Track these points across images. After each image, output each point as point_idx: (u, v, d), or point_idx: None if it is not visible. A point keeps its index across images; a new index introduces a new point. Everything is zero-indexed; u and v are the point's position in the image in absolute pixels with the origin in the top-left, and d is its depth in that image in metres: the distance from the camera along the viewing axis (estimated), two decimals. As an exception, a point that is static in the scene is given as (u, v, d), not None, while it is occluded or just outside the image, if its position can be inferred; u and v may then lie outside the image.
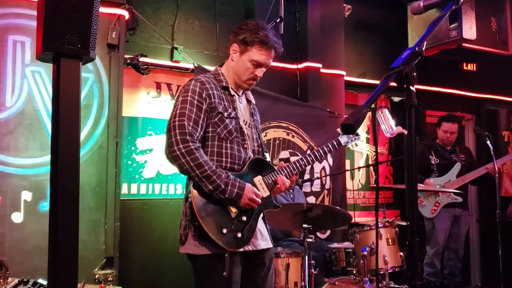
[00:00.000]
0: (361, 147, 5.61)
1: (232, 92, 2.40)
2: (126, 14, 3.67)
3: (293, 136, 4.71)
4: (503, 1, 5.07)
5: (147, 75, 4.06)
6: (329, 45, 5.03)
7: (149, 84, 4.21)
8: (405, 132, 1.83)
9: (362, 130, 5.59)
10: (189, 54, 4.28)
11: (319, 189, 4.88)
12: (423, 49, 1.51)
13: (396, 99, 5.83)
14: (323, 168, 4.93)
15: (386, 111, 2.42)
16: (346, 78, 5.18)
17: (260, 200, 2.29)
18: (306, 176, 4.65)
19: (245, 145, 2.36)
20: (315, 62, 4.93)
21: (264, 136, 4.47)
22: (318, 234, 4.58)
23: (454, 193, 4.72)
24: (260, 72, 2.38)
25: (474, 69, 5.87)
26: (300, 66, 4.95)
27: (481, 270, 6.29)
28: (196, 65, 4.03)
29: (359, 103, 5.56)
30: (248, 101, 2.50)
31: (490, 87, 6.49)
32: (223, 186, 2.16)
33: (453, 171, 4.86)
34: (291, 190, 4.16)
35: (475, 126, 6.15)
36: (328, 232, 4.85)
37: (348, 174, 5.28)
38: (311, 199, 4.79)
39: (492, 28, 4.89)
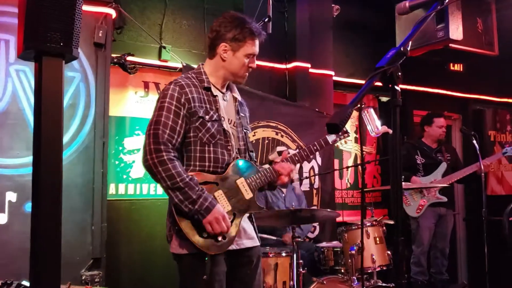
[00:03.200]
0: (349, 147, 5.63)
1: (215, 92, 2.35)
2: (113, 12, 3.64)
3: (282, 136, 4.71)
4: (489, 3, 5.12)
5: (134, 75, 4.03)
6: (318, 45, 5.05)
7: (137, 83, 4.19)
8: (390, 131, 1.83)
9: (350, 130, 5.61)
10: (177, 53, 4.26)
11: (308, 189, 4.90)
12: (408, 49, 1.52)
13: (384, 99, 5.86)
14: (312, 167, 4.95)
15: (371, 110, 2.43)
16: (334, 78, 5.20)
17: (226, 227, 2.19)
18: (295, 176, 4.66)
19: (228, 147, 2.32)
20: (304, 62, 4.94)
21: (253, 135, 4.47)
22: (307, 234, 4.60)
23: (439, 191, 4.77)
24: (254, 62, 2.37)
25: (461, 70, 5.93)
26: (289, 66, 4.97)
27: (467, 268, 6.36)
28: (184, 64, 4.01)
29: (347, 103, 5.58)
30: (234, 98, 2.45)
31: (477, 87, 6.56)
32: (194, 197, 2.12)
33: (439, 170, 4.89)
34: (283, 189, 4.16)
35: (461, 126, 6.20)
36: (317, 231, 4.87)
37: (337, 173, 5.30)
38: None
39: (478, 29, 4.93)
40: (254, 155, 2.53)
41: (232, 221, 2.25)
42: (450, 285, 4.82)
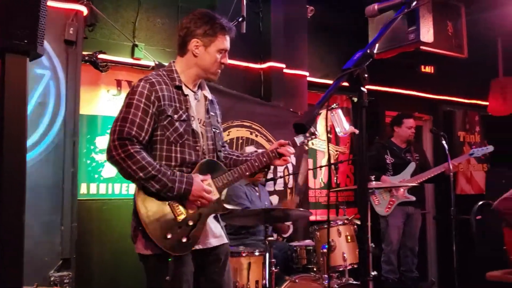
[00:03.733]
0: (323, 147, 5.69)
1: (186, 91, 2.33)
2: (84, 9, 3.59)
3: (256, 136, 4.72)
4: (459, 7, 5.24)
5: (107, 73, 3.99)
6: (293, 46, 5.07)
7: (109, 81, 4.14)
8: (357, 131, 1.87)
9: (324, 130, 5.67)
10: (150, 52, 4.23)
11: (282, 188, 4.92)
12: (375, 51, 1.55)
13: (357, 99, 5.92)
14: (286, 167, 4.98)
15: (339, 111, 2.47)
16: (309, 78, 5.24)
17: (211, 197, 2.24)
18: (270, 175, 4.68)
19: (197, 147, 2.30)
20: (279, 62, 4.96)
21: (227, 135, 4.46)
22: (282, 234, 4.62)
23: (408, 190, 4.87)
24: (226, 58, 2.37)
25: (432, 72, 6.05)
26: (264, 65, 4.98)
27: (437, 266, 6.49)
28: (157, 63, 3.99)
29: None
30: (205, 97, 2.43)
31: (447, 89, 6.71)
32: (170, 184, 2.13)
33: (408, 170, 4.99)
34: (256, 188, 4.17)
35: (431, 127, 6.34)
36: (291, 230, 4.90)
37: (310, 172, 5.35)
38: (275, 198, 4.82)
39: (449, 32, 5.03)
40: (223, 154, 2.51)
41: (197, 222, 2.25)
42: (420, 282, 4.91)
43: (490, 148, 4.90)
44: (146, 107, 2.19)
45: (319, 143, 5.65)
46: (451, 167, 4.48)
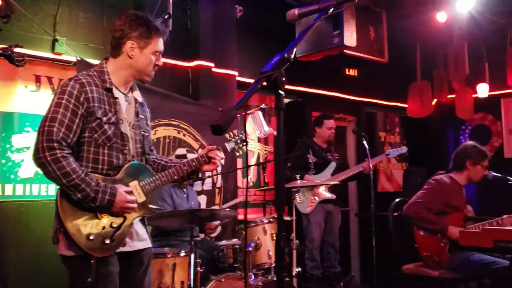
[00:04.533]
0: (252, 146, 5.75)
1: (116, 94, 2.31)
2: (-2, 0, 3.38)
3: (184, 135, 4.69)
4: (380, 12, 5.51)
5: (25, 68, 3.75)
6: (221, 45, 5.08)
7: (27, 77, 3.92)
8: (275, 133, 1.92)
9: (253, 130, 5.74)
10: (72, 47, 4.06)
11: (211, 188, 4.92)
12: (292, 56, 1.59)
13: (286, 100, 6.05)
14: (214, 166, 4.98)
15: (259, 113, 2.53)
16: (238, 78, 5.27)
17: (134, 205, 2.26)
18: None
19: (125, 150, 2.29)
20: (207, 61, 4.94)
21: (154, 134, 4.39)
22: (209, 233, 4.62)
23: (328, 189, 5.06)
24: (160, 60, 2.39)
25: (356, 74, 6.31)
26: (192, 64, 4.94)
27: (359, 261, 6.79)
28: (79, 59, 3.84)
29: (250, 103, 5.70)
30: (135, 99, 2.43)
31: (369, 92, 7.03)
32: (93, 195, 2.12)
33: (328, 169, 5.19)
34: (184, 189, 4.15)
35: (354, 128, 6.62)
36: (219, 230, 4.91)
37: (239, 172, 5.39)
38: (203, 198, 4.81)
39: (371, 37, 5.28)
40: (152, 157, 2.51)
41: (122, 224, 2.23)
42: (343, 277, 5.12)
43: (404, 149, 5.20)
44: (75, 108, 2.16)
45: (249, 142, 5.71)
46: (371, 165, 4.71)
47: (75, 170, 2.10)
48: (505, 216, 3.78)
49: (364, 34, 5.14)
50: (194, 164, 2.46)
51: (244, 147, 2.68)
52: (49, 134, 2.10)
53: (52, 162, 2.07)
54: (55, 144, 2.09)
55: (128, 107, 2.37)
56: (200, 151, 2.59)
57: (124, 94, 2.36)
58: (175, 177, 2.42)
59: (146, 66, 2.33)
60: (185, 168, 2.44)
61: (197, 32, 4.92)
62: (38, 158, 2.09)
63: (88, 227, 2.14)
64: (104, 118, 2.22)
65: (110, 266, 2.19)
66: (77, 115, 2.16)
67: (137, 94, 2.44)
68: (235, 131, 2.70)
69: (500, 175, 4.01)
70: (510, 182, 3.99)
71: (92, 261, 2.13)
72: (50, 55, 3.98)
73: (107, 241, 2.16)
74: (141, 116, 2.44)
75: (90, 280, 2.11)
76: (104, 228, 2.18)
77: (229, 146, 2.64)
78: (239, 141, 2.70)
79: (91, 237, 2.13)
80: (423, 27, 6.17)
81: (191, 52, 4.94)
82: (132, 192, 2.27)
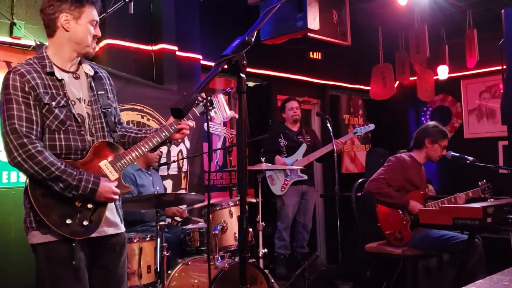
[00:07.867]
0: (218, 130, 5.76)
1: (61, 75, 2.23)
2: (-51, -19, 3.24)
3: (148, 119, 4.64)
4: (343, -5, 5.54)
5: (-20, 52, 3.65)
6: (185, 28, 5.03)
7: (-16, 61, 3.80)
8: (237, 116, 1.94)
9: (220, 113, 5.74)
10: (32, 31, 3.94)
11: (176, 172, 4.91)
12: (253, 39, 1.61)
13: (251, 84, 6.08)
14: (180, 151, 4.97)
15: (221, 96, 2.53)
16: (202, 62, 5.23)
17: (117, 196, 2.25)
18: (163, 160, 4.64)
19: (82, 131, 2.23)
20: (171, 44, 4.88)
21: (118, 119, 4.33)
22: (175, 217, 4.63)
23: (300, 170, 5.18)
24: (98, 30, 2.32)
25: (319, 58, 6.36)
26: (155, 47, 4.86)
27: (325, 241, 6.95)
28: (38, 43, 3.73)
29: (215, 87, 5.69)
30: (86, 74, 2.34)
31: (333, 75, 7.12)
32: (74, 183, 2.10)
33: (300, 151, 5.32)
34: (149, 172, 4.12)
35: (318, 110, 6.71)
36: (186, 214, 4.92)
37: (206, 156, 5.39)
38: (168, 183, 4.80)
39: (334, 20, 5.31)
40: (121, 131, 2.44)
41: (97, 205, 2.22)
42: (309, 257, 5.23)
43: (372, 126, 5.34)
44: (25, 99, 2.11)
45: (214, 126, 5.72)
46: (334, 147, 4.82)
47: (53, 163, 2.08)
48: (457, 193, 3.95)
49: (327, 17, 5.15)
50: (163, 134, 2.39)
51: (213, 112, 2.64)
52: (14, 132, 2.06)
53: (28, 159, 2.05)
54: (25, 140, 2.06)
55: (79, 84, 2.29)
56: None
57: (72, 73, 2.28)
58: (146, 150, 2.36)
59: (85, 36, 2.25)
60: (155, 139, 2.37)
61: (160, 15, 4.83)
62: (13, 159, 2.07)
63: (63, 212, 2.12)
64: (53, 103, 2.16)
65: (81, 252, 2.19)
66: (30, 105, 2.11)
67: (88, 68, 2.35)
68: (203, 94, 2.64)
69: (459, 155, 4.15)
70: (469, 162, 4.13)
71: (73, 244, 2.12)
72: (8, 39, 3.86)
73: (85, 223, 2.16)
74: (99, 91, 2.34)
75: (74, 263, 2.12)
76: (80, 211, 2.16)
77: (198, 110, 2.58)
78: (208, 104, 2.63)
79: (68, 221, 2.11)
80: (385, 10, 6.26)
81: (154, 36, 4.86)
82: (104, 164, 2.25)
